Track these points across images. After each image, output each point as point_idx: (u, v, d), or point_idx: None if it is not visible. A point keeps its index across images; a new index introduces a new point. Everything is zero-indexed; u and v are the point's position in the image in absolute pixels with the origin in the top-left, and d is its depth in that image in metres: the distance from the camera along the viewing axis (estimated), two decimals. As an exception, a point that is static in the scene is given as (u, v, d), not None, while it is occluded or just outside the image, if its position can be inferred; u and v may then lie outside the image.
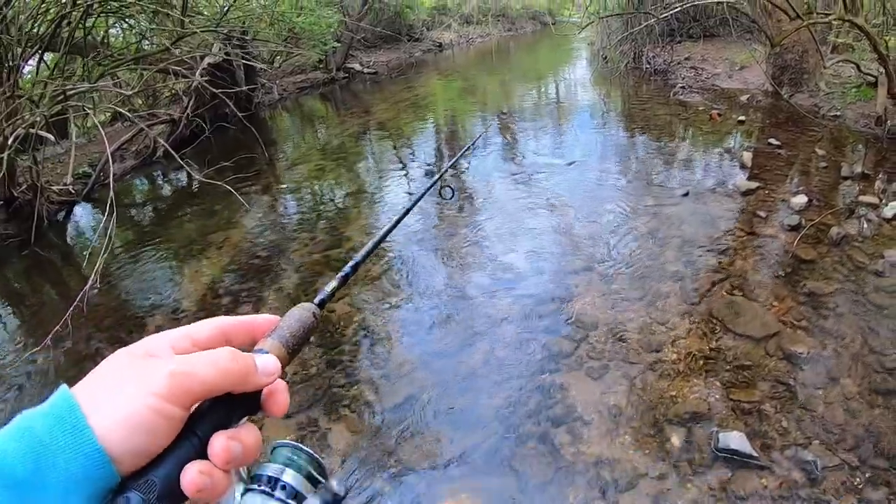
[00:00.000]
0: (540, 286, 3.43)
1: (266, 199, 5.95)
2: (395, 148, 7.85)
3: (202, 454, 0.35)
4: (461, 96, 11.48)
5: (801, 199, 4.11)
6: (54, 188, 6.00)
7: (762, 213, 4.01)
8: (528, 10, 26.61)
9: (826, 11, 5.79)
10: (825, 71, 7.23)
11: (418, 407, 2.67)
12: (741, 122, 6.57)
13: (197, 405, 0.36)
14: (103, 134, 5.65)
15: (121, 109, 6.67)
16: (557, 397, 2.59)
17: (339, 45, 13.46)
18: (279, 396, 0.40)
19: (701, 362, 2.69)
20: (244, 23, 8.70)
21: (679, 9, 7.67)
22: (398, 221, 0.68)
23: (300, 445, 0.65)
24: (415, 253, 4.13)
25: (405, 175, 6.24)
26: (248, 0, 9.36)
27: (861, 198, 4.21)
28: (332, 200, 5.72)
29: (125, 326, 3.73)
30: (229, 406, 0.37)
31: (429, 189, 0.85)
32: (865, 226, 3.82)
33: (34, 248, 5.02)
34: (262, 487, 0.67)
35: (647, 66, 10.89)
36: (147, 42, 8.02)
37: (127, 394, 0.33)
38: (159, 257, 4.77)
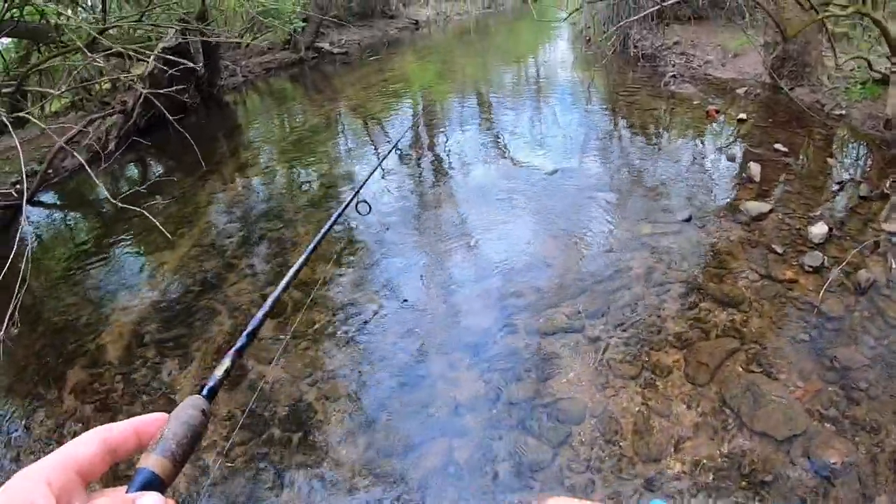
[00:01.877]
0: (513, 354, 2.79)
1: (210, 212, 5.24)
2: (365, 138, 7.16)
3: None
4: (437, 81, 10.68)
5: (820, 229, 3.53)
6: (-8, 191, 5.36)
7: (778, 248, 3.41)
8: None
9: (843, 3, 5.14)
10: (828, 65, 6.63)
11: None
12: (741, 121, 5.95)
13: None
14: (16, 139, 4.92)
15: (31, 118, 5.89)
16: (531, 531, 2.01)
17: (306, 24, 12.56)
18: None
19: (711, 476, 2.12)
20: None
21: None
22: (303, 264, 0.68)
23: None
24: (357, 302, 3.45)
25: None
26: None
27: (884, 225, 3.65)
28: (282, 214, 4.96)
29: (45, 380, 3.20)
30: None
31: (339, 215, 0.81)
32: (895, 266, 3.26)
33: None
34: None
35: (634, 49, 10.15)
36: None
37: None
38: (87, 287, 4.21)
